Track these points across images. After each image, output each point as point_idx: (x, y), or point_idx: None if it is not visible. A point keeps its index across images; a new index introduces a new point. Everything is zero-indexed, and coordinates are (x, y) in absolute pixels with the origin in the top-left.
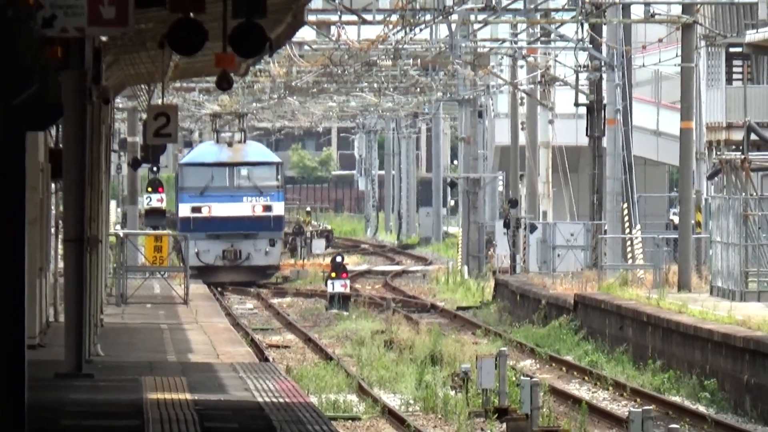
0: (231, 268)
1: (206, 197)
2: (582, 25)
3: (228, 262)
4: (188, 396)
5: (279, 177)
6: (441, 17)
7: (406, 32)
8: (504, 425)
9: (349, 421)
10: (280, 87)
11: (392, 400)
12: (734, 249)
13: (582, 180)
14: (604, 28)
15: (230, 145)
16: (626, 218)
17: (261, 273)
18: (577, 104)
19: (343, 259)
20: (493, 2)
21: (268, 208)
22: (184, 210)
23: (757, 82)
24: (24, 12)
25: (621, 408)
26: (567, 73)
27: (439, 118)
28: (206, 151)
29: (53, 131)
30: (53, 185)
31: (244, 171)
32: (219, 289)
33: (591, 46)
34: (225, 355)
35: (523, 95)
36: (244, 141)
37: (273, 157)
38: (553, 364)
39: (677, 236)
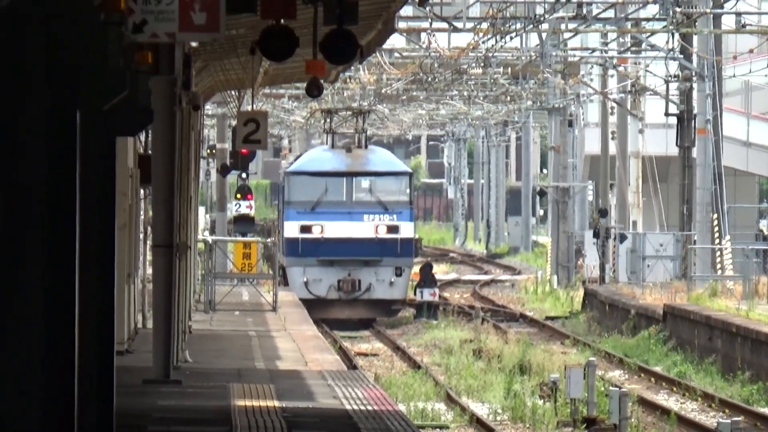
0: (347, 303)
1: (318, 214)
2: (673, 35)
3: (344, 294)
4: (276, 403)
5: (408, 191)
6: (531, 26)
7: (496, 40)
8: None
9: (438, 429)
10: (369, 94)
11: (480, 409)
12: None
13: (672, 190)
14: (695, 38)
15: (348, 150)
16: (716, 229)
17: (384, 309)
18: (667, 114)
19: (432, 267)
20: (584, 11)
21: (394, 228)
22: (291, 229)
23: None
24: (115, 17)
25: (709, 419)
26: (657, 83)
27: (529, 127)
28: (319, 157)
29: (142, 137)
30: (142, 191)
31: (365, 182)
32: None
33: (681, 56)
34: (313, 362)
35: (614, 104)
36: (366, 146)
37: (401, 165)
38: (642, 375)
39: (767, 247)
